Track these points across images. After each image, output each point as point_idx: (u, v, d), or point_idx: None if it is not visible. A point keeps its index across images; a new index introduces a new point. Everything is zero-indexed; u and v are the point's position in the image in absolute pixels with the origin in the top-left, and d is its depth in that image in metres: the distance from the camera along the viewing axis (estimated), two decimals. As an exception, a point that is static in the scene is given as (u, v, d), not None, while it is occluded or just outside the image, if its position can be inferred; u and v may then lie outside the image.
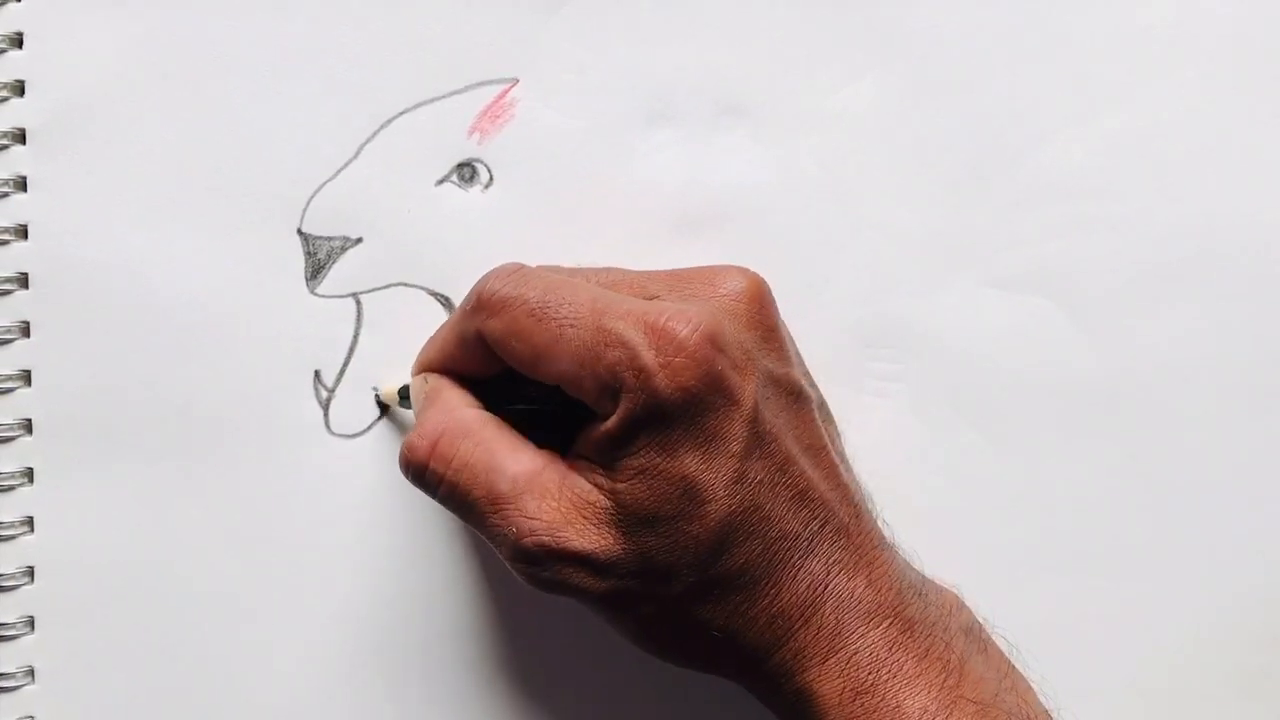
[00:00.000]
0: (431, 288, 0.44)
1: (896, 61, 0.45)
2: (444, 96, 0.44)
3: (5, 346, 0.43)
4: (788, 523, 0.36)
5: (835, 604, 0.36)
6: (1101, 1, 0.45)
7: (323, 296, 0.44)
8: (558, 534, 0.36)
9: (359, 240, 0.44)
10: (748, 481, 0.36)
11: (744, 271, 0.38)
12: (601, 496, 0.36)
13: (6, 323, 0.43)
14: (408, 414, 0.43)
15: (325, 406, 0.44)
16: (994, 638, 0.38)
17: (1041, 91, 0.45)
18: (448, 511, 0.44)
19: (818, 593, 0.36)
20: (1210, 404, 0.45)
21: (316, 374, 0.44)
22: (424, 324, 0.43)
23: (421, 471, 0.38)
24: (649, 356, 0.35)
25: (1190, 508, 0.45)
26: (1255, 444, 0.45)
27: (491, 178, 0.44)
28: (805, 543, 0.36)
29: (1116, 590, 0.44)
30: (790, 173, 0.44)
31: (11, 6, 0.43)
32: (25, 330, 0.43)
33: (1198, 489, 0.45)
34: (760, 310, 0.38)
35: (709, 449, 0.36)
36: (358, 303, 0.44)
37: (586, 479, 0.37)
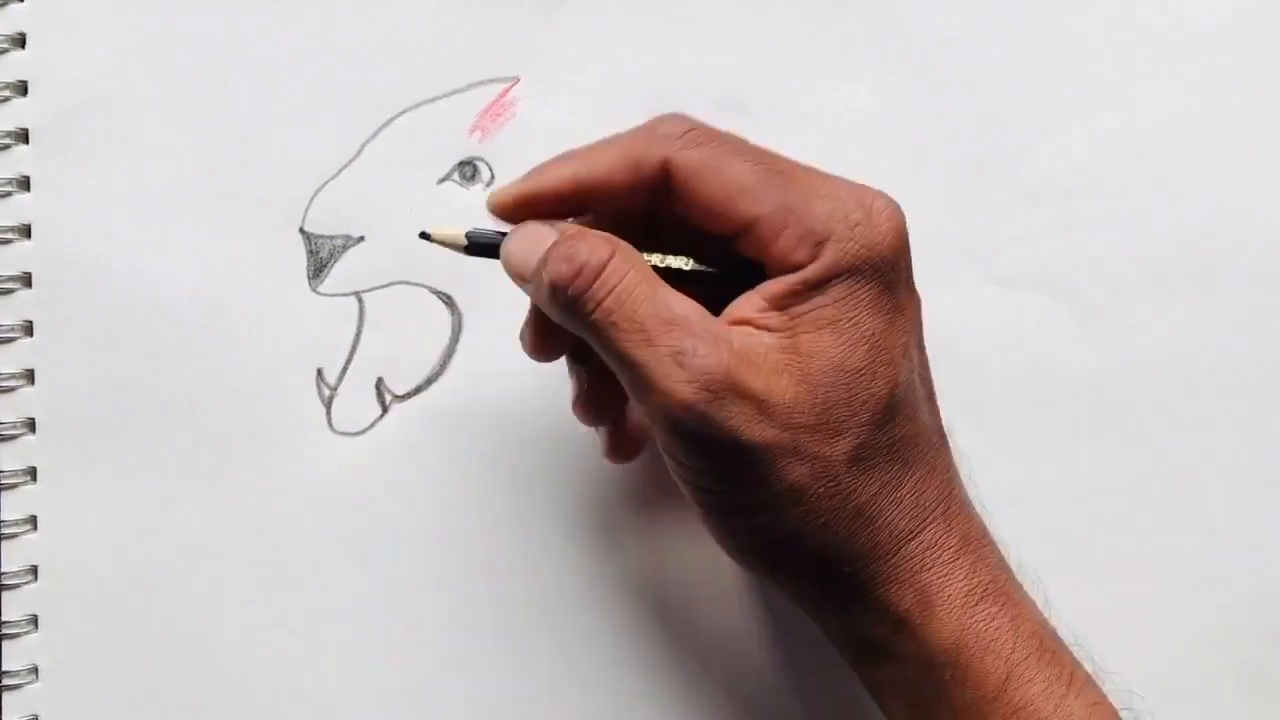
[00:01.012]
0: (433, 286, 0.44)
1: (896, 60, 0.45)
2: (445, 95, 0.44)
3: (8, 345, 0.43)
4: (927, 417, 0.37)
5: (963, 507, 0.37)
6: (1101, 1, 0.45)
7: (325, 295, 0.44)
8: (735, 370, 0.35)
9: (361, 239, 0.44)
10: (913, 361, 0.37)
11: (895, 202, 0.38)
12: (776, 348, 0.35)
13: (10, 322, 0.43)
14: (408, 409, 0.43)
15: (328, 405, 0.44)
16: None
17: (1041, 90, 0.45)
18: (451, 509, 0.44)
19: (953, 490, 0.37)
20: (1209, 401, 0.45)
21: (319, 372, 0.44)
22: (426, 322, 0.43)
23: (582, 292, 0.35)
24: (861, 215, 0.36)
25: (1189, 505, 0.45)
26: (1254, 441, 0.45)
27: (493, 176, 0.44)
28: (938, 440, 0.37)
29: (1115, 587, 0.44)
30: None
31: (14, 7, 0.43)
32: (28, 329, 0.43)
33: (1196, 486, 0.45)
34: (906, 237, 0.38)
35: (894, 316, 0.36)
36: (360, 301, 0.44)
37: (758, 333, 0.36)
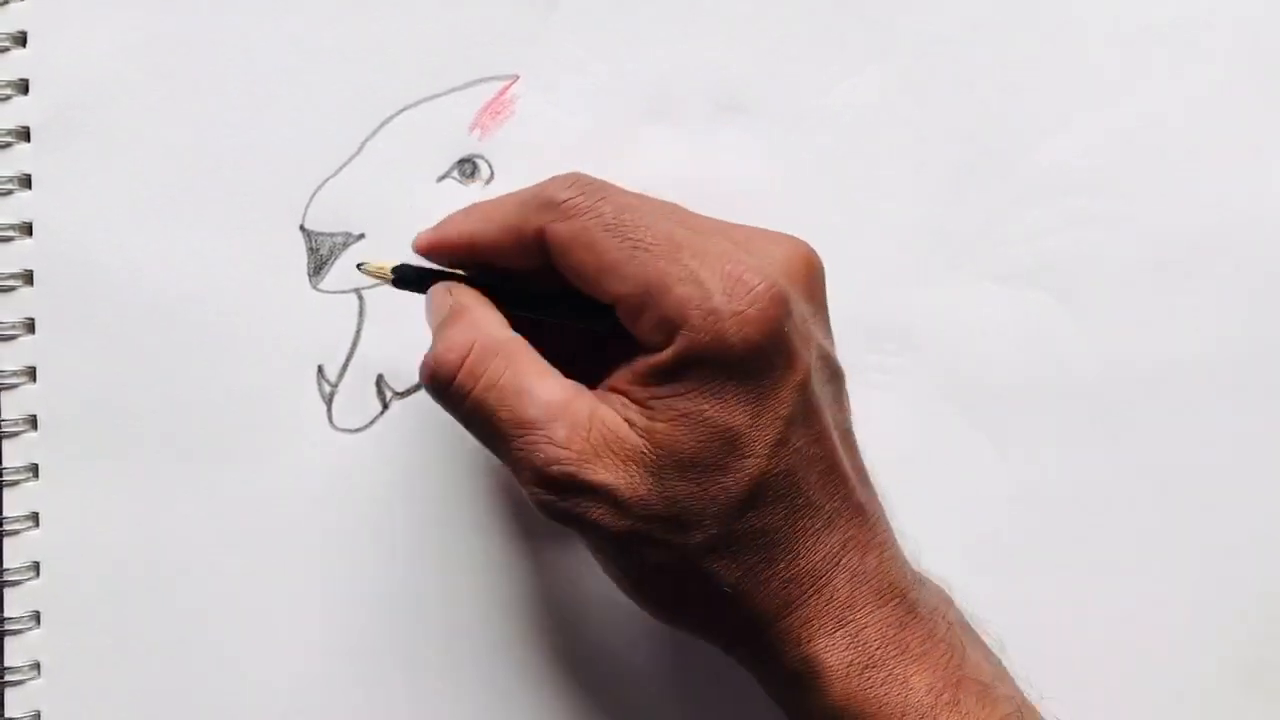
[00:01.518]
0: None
1: (896, 57, 0.45)
2: (445, 93, 0.44)
3: (10, 343, 0.43)
4: (814, 494, 0.36)
5: (848, 577, 0.36)
6: (1104, -4, 0.45)
7: (325, 292, 0.44)
8: (584, 464, 0.35)
9: (361, 236, 0.44)
10: (788, 446, 0.36)
11: (803, 242, 0.38)
12: (634, 434, 0.36)
13: (11, 319, 0.43)
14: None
15: (328, 401, 0.44)
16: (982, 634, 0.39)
17: (1041, 86, 0.45)
18: (451, 505, 0.44)
19: (831, 565, 0.36)
20: (1209, 399, 0.45)
21: (320, 369, 0.44)
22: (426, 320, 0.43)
23: (446, 387, 0.37)
24: (722, 300, 0.35)
25: (1188, 501, 0.45)
26: (1254, 438, 0.45)
27: (492, 173, 0.44)
28: (826, 515, 0.36)
29: (1115, 584, 0.44)
30: (790, 168, 0.44)
31: (15, 5, 0.43)
32: (30, 327, 0.43)
33: (1196, 483, 0.45)
34: (816, 282, 0.38)
35: (760, 406, 0.35)
36: (360, 298, 0.44)
37: (620, 414, 0.36)
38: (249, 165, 0.44)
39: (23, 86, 0.43)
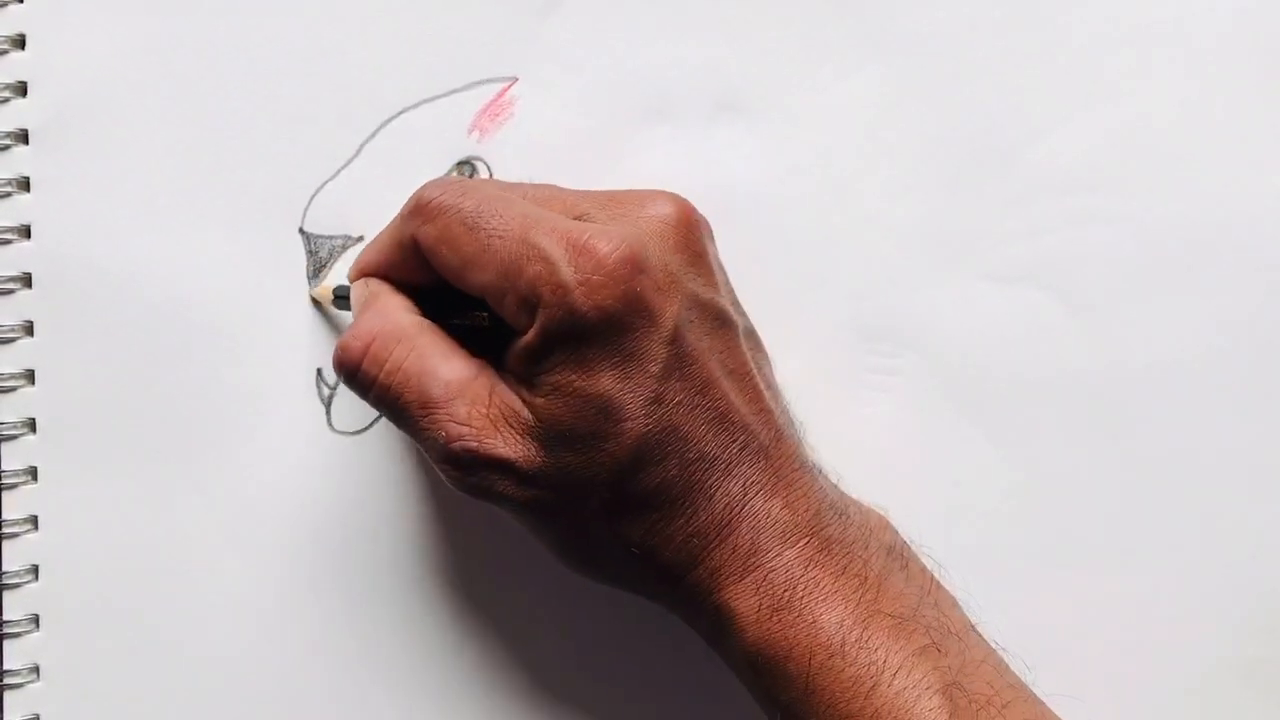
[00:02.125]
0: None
1: (893, 56, 0.45)
2: (443, 95, 0.44)
3: (9, 345, 0.43)
4: (706, 444, 0.37)
5: (751, 524, 0.37)
6: (1101, -5, 0.45)
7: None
8: (484, 440, 0.37)
9: (360, 238, 0.44)
10: (666, 402, 0.36)
11: (673, 196, 0.39)
12: (525, 409, 0.37)
13: (10, 322, 0.43)
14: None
15: (327, 404, 0.44)
16: (920, 556, 0.39)
17: (1038, 86, 0.45)
18: (449, 507, 0.44)
19: (734, 513, 0.37)
20: (1207, 397, 0.45)
21: (318, 372, 0.44)
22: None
23: (354, 372, 0.38)
24: (568, 273, 0.35)
25: (1186, 499, 0.45)
26: (1252, 436, 0.45)
27: (491, 175, 0.44)
28: (723, 465, 0.37)
29: (1113, 581, 0.45)
30: (788, 168, 0.45)
31: (13, 8, 0.43)
32: (29, 329, 0.43)
33: (1194, 481, 0.45)
34: (688, 234, 0.38)
35: (626, 368, 0.36)
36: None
37: (515, 391, 0.37)
38: (248, 168, 0.44)
39: (21, 89, 0.43)
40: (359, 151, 0.44)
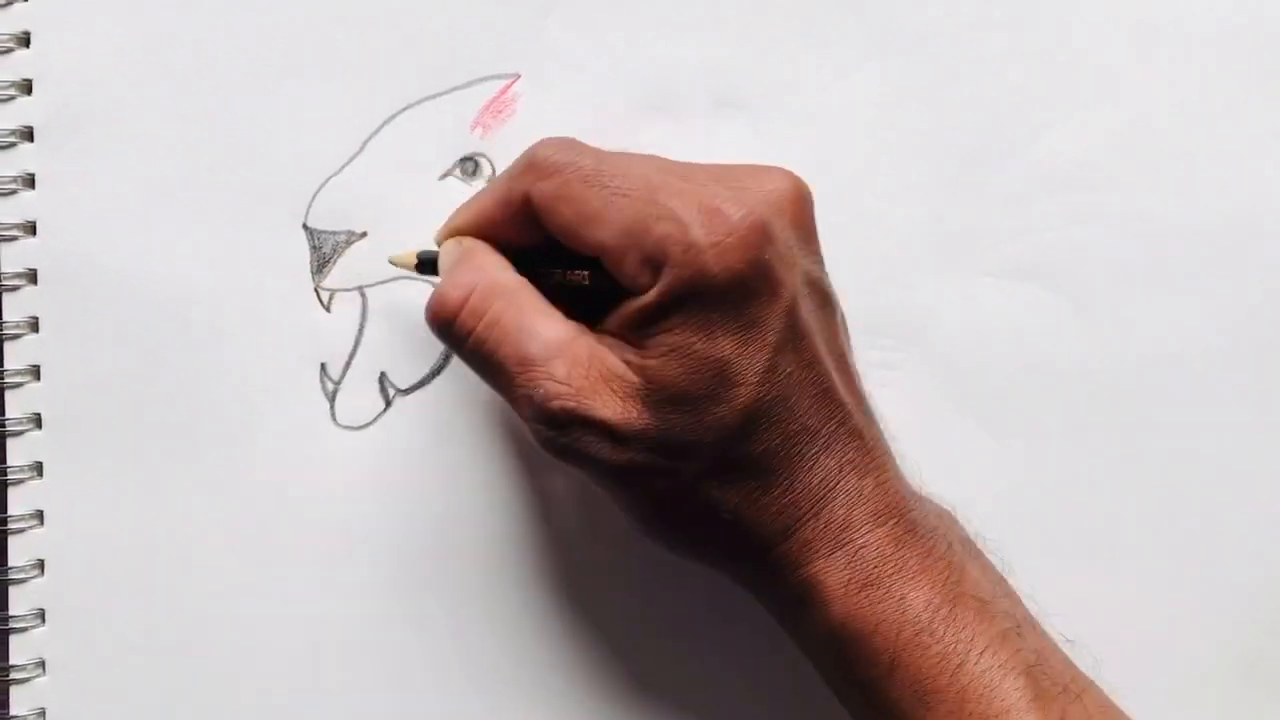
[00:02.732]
0: (435, 281, 0.44)
1: (893, 53, 0.45)
2: (447, 92, 0.44)
3: (14, 342, 0.43)
4: (809, 418, 0.37)
5: (845, 499, 0.37)
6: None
7: (328, 290, 0.44)
8: (584, 400, 0.36)
9: (364, 234, 0.44)
10: (778, 372, 0.36)
11: (788, 173, 0.39)
12: (629, 372, 0.37)
13: (15, 318, 0.43)
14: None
15: (331, 399, 0.44)
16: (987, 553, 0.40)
17: (1039, 82, 0.45)
18: (454, 502, 0.44)
19: (830, 487, 0.37)
20: (1208, 393, 0.45)
21: (322, 367, 0.44)
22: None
23: (450, 323, 0.38)
24: (700, 233, 0.35)
25: (1187, 494, 0.45)
26: (1252, 432, 0.45)
27: (494, 172, 0.44)
28: (823, 439, 0.37)
29: (1114, 576, 0.45)
30: (789, 165, 0.44)
31: (18, 6, 0.43)
32: (34, 325, 0.43)
33: (1195, 476, 0.45)
34: (803, 211, 0.38)
35: (746, 335, 0.36)
36: (363, 296, 0.44)
37: (616, 354, 0.37)
38: (251, 164, 0.44)
39: (26, 87, 0.43)
40: (362, 148, 0.44)
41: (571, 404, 0.36)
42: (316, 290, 0.44)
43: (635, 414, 0.36)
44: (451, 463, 0.44)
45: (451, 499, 0.44)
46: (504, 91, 0.44)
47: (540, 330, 0.37)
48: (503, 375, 0.38)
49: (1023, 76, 0.45)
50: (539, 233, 0.39)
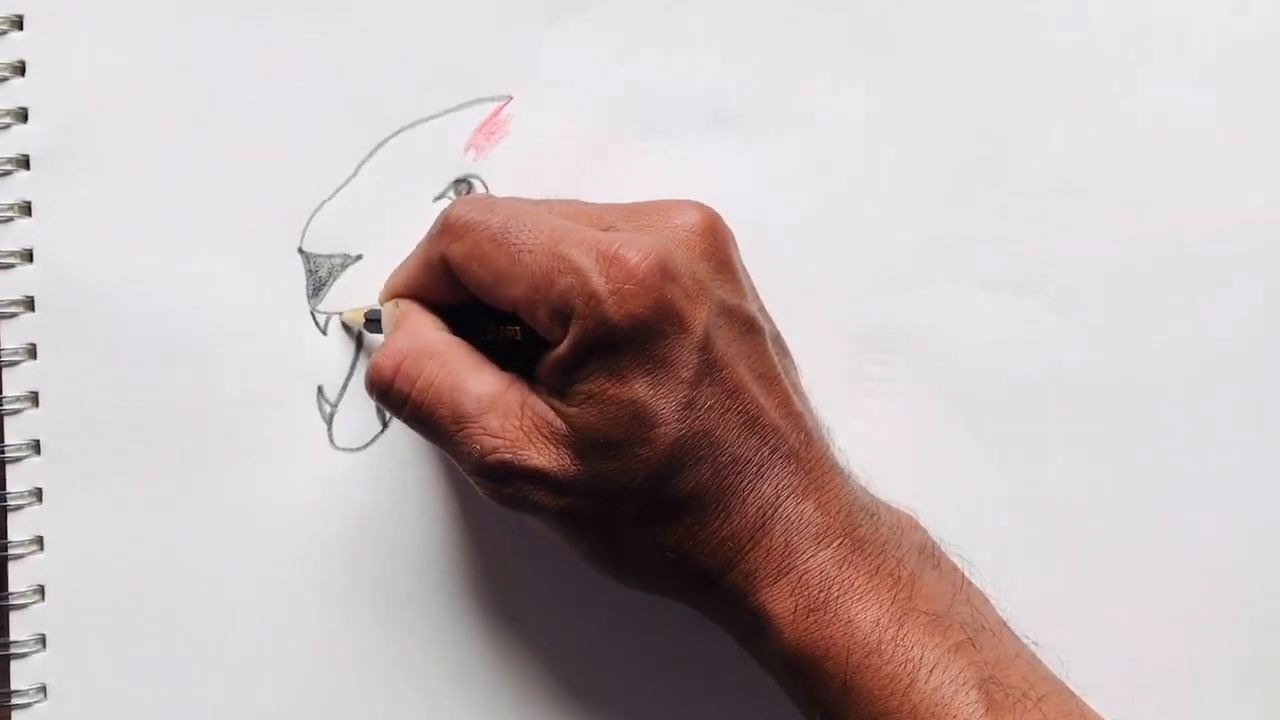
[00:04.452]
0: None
1: (886, 66, 0.45)
2: (439, 115, 0.45)
3: (12, 369, 0.44)
4: (738, 448, 0.37)
5: (785, 526, 0.37)
6: (1091, 2, 0.45)
7: (324, 313, 0.44)
8: (519, 451, 0.37)
9: (359, 257, 0.44)
10: (698, 407, 0.37)
11: (698, 205, 0.39)
12: (558, 419, 0.37)
13: (13, 345, 0.44)
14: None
15: (329, 421, 0.44)
16: (950, 556, 0.39)
17: (1031, 93, 0.45)
18: (450, 523, 0.44)
19: (768, 515, 0.37)
20: (1201, 401, 0.45)
21: (319, 389, 0.44)
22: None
23: (386, 390, 0.39)
24: (599, 283, 0.36)
25: (1185, 502, 0.45)
26: (1248, 439, 0.45)
27: (487, 193, 0.45)
28: (755, 467, 0.37)
29: (1112, 584, 0.45)
30: (783, 179, 0.45)
31: (14, 35, 0.44)
32: (32, 352, 0.44)
33: (1192, 484, 0.45)
34: (714, 242, 0.39)
35: (658, 375, 0.36)
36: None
37: (546, 402, 0.38)
38: (246, 190, 0.44)
39: (22, 115, 0.44)
40: (357, 171, 0.44)
41: (508, 456, 0.37)
42: (313, 314, 0.44)
43: (568, 461, 0.37)
44: (447, 484, 0.44)
45: (447, 520, 0.44)
46: (496, 113, 0.45)
47: (472, 387, 0.38)
48: (442, 435, 0.38)
49: (1015, 87, 0.45)
50: (460, 290, 0.39)
